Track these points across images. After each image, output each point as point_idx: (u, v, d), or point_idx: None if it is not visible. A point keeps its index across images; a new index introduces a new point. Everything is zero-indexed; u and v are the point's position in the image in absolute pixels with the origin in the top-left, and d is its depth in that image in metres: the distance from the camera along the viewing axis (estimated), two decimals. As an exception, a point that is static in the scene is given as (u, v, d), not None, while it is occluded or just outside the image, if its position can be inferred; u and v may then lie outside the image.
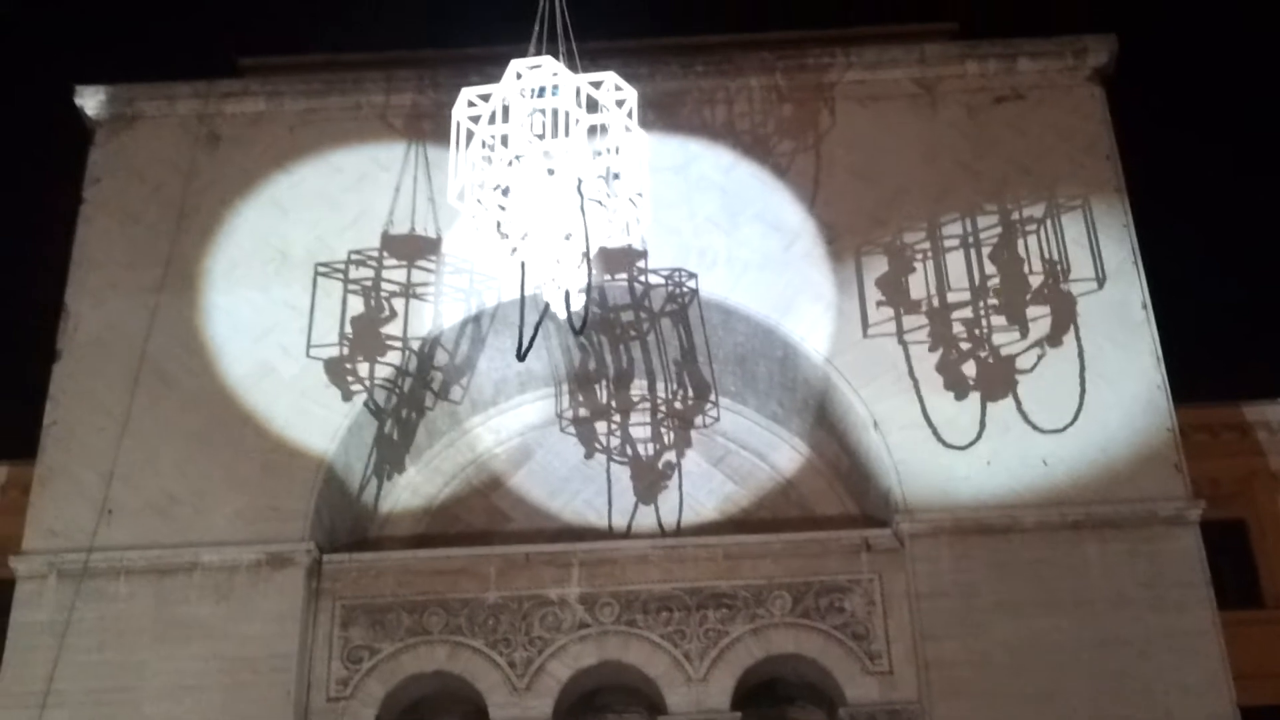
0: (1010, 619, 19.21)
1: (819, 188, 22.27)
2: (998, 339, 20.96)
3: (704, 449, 22.69)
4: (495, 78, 17.73)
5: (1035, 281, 21.33)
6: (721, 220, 22.12)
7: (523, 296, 17.55)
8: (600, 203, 17.34)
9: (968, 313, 21.18)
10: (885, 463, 20.43)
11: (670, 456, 22.55)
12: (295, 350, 21.29)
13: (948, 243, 21.68)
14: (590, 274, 17.25)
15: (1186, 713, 18.69)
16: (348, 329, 21.46)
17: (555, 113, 17.24)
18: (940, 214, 21.88)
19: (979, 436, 20.35)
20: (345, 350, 21.30)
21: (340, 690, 19.89)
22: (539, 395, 23.12)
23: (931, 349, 20.98)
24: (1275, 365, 27.72)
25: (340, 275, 21.80)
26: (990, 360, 20.81)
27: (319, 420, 20.88)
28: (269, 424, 20.84)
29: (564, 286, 17.26)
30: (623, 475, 22.36)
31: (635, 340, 22.44)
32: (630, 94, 17.69)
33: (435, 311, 21.68)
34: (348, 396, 21.07)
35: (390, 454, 22.08)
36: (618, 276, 21.79)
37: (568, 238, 17.15)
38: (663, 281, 21.84)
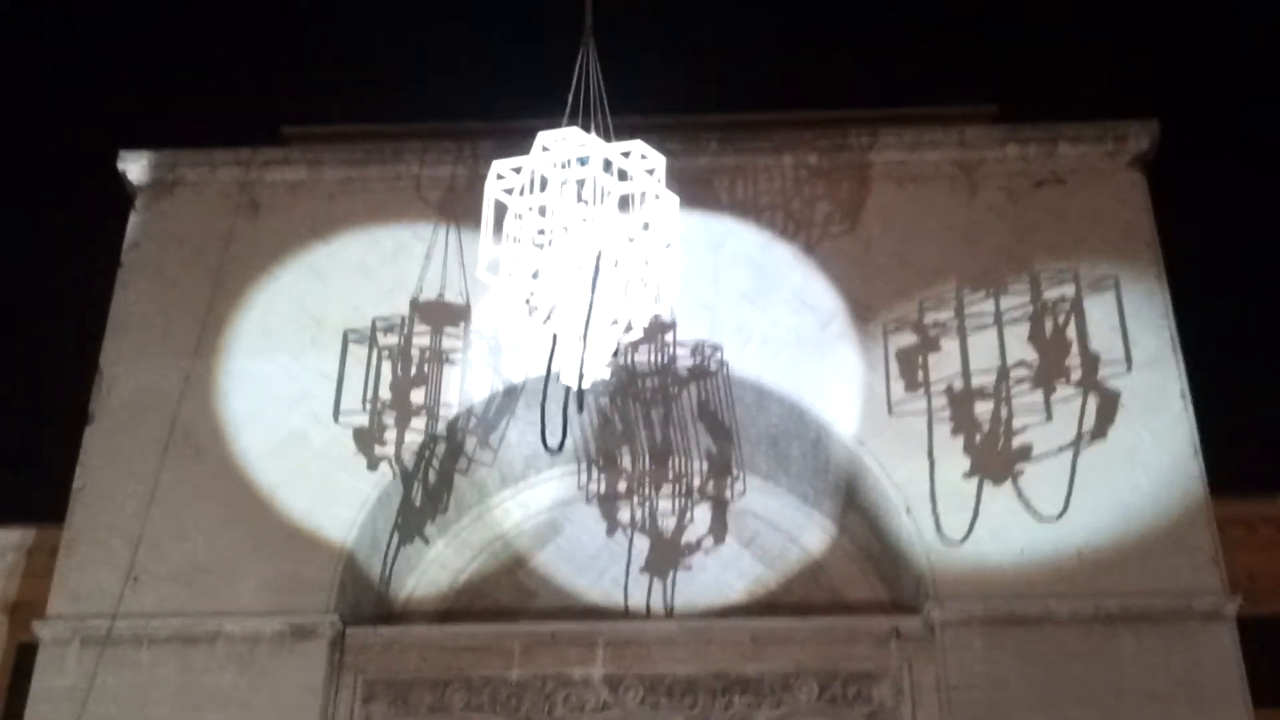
0: (1042, 713, 18.84)
1: (855, 268, 22.17)
2: (1033, 427, 20.69)
3: (734, 529, 22.51)
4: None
5: (1072, 368, 21.09)
6: (756, 298, 22.05)
7: (548, 374, 17.35)
8: (628, 273, 17.18)
9: (1002, 399, 20.95)
10: (917, 548, 20.18)
11: (698, 536, 22.37)
12: (326, 419, 21.27)
13: (982, 326, 21.51)
14: (585, 347, 16.98)
15: (1219, 811, 18.28)
16: (377, 396, 21.40)
17: (582, 183, 17.16)
18: (978, 297, 21.71)
19: (1012, 525, 20.07)
20: (374, 419, 21.24)
21: (361, 765, 19.74)
22: (569, 471, 23.01)
23: (962, 433, 20.74)
24: (1316, 459, 27.34)
25: (372, 343, 21.77)
26: (1026, 449, 20.55)
27: (348, 490, 20.81)
28: (298, 493, 20.77)
29: (582, 362, 17.07)
30: (651, 554, 22.19)
31: (661, 412, 22.27)
32: (659, 160, 17.60)
33: (465, 384, 21.62)
34: (374, 465, 20.99)
35: (418, 527, 21.96)
36: (643, 347, 21.71)
37: (612, 321, 17.04)
38: (688, 353, 21.71)
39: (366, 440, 21.14)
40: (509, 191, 17.53)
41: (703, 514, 22.60)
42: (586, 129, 17.72)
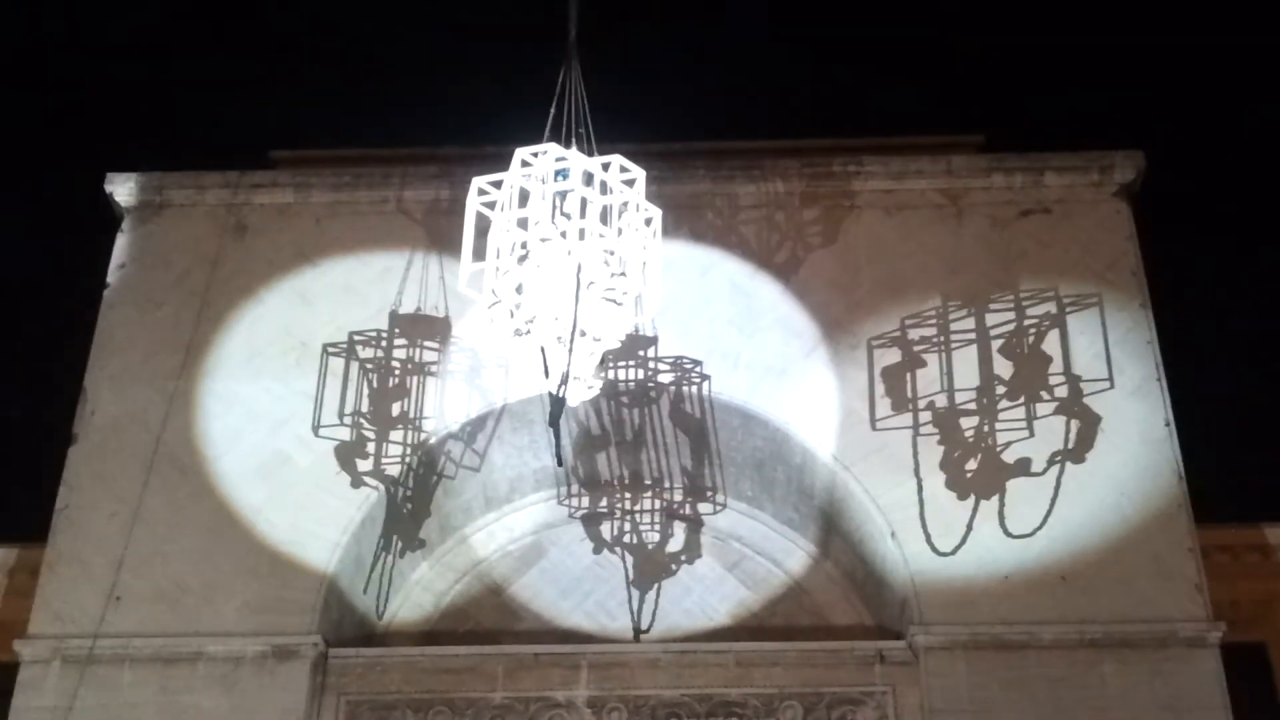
0: (1025, 738, 18.88)
1: (841, 295, 22.23)
2: (1015, 453, 20.74)
3: (719, 553, 22.53)
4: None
5: (1056, 395, 21.14)
6: (743, 324, 22.09)
7: (553, 392, 17.38)
8: (609, 285, 17.21)
9: (984, 425, 21.00)
10: (901, 574, 20.17)
11: (682, 559, 22.40)
12: (311, 441, 21.24)
13: (966, 351, 21.58)
14: (571, 356, 17.03)
15: (1204, 839, 18.25)
16: (358, 416, 21.41)
17: (563, 196, 17.20)
18: (962, 324, 21.77)
19: (997, 550, 20.09)
20: (354, 436, 21.23)
21: (342, 788, 19.64)
22: (553, 494, 23.05)
23: (946, 460, 20.78)
24: (1299, 486, 27.46)
25: (354, 361, 21.77)
26: (1007, 476, 20.58)
27: (332, 512, 20.77)
28: (281, 515, 20.70)
29: (567, 373, 17.09)
30: (635, 577, 22.18)
31: (645, 434, 22.29)
32: (639, 173, 17.63)
33: (449, 404, 21.62)
34: (357, 484, 20.98)
35: (402, 548, 21.92)
36: (623, 363, 21.73)
37: (585, 335, 17.11)
38: (668, 368, 21.75)
39: (348, 456, 21.12)
40: (490, 206, 17.54)
41: (687, 537, 22.63)
42: (570, 146, 17.78)
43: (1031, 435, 20.79)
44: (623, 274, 17.39)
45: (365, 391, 21.63)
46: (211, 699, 19.39)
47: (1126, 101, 39.46)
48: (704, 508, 22.87)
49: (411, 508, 21.72)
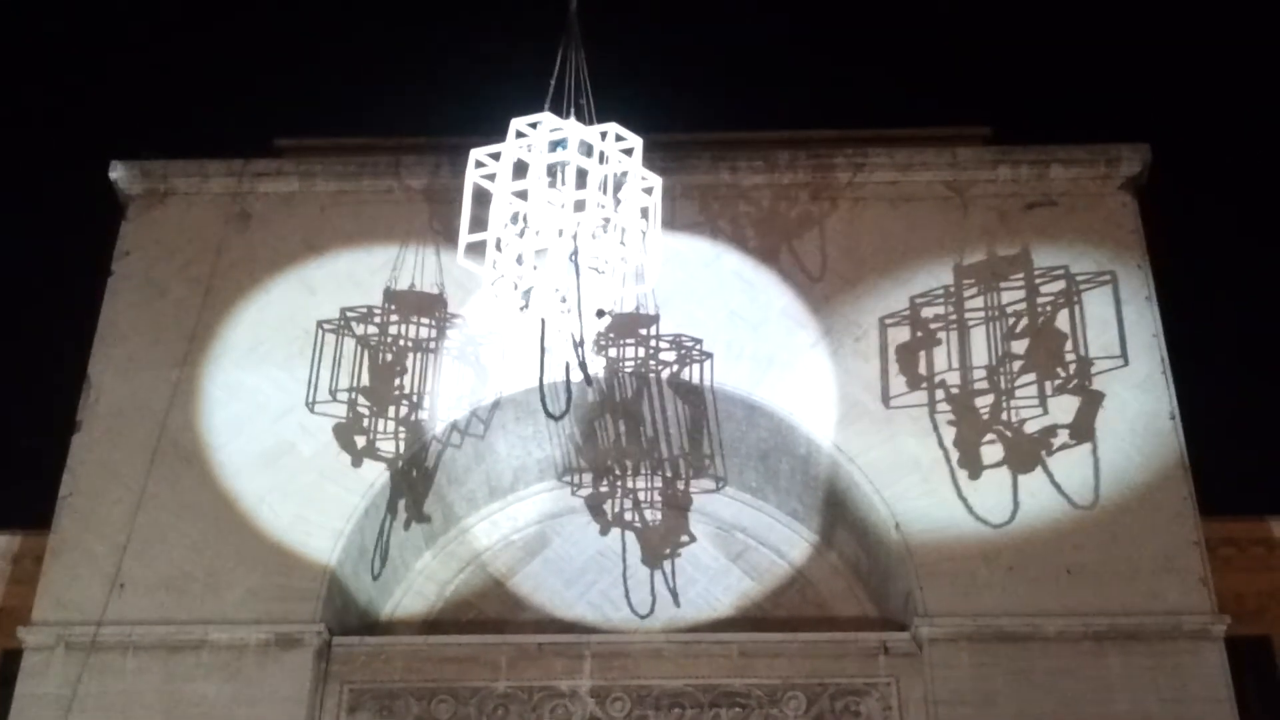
0: (1029, 730, 18.87)
1: (846, 286, 22.22)
2: (1025, 444, 20.70)
3: (723, 544, 22.54)
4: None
5: (1070, 374, 21.11)
6: (748, 315, 22.07)
7: (543, 351, 17.30)
8: (601, 263, 17.07)
9: (992, 416, 20.97)
10: (906, 565, 20.17)
11: (687, 549, 22.38)
12: (315, 429, 21.23)
13: (975, 344, 21.55)
14: (582, 324, 16.93)
15: (1207, 831, 18.26)
16: (354, 394, 21.44)
17: (561, 166, 17.08)
18: (972, 303, 21.78)
19: (1002, 542, 20.08)
20: (351, 414, 21.25)
21: (344, 776, 19.68)
22: (557, 484, 23.06)
23: (954, 454, 20.76)
24: (1305, 479, 27.43)
25: (349, 338, 21.78)
26: (1015, 469, 20.56)
27: (336, 501, 20.77)
28: (285, 503, 20.71)
29: (581, 337, 17.00)
30: (639, 567, 22.18)
31: (649, 421, 22.27)
32: (636, 141, 17.47)
33: (449, 383, 21.60)
34: (357, 462, 20.98)
35: (406, 538, 21.92)
36: (625, 341, 21.72)
37: (568, 304, 16.96)
38: (669, 346, 21.73)
39: (345, 435, 21.13)
40: (490, 179, 17.42)
41: (693, 528, 22.59)
42: (569, 117, 17.61)
43: (1045, 413, 20.77)
44: (621, 243, 17.26)
45: (363, 368, 21.61)
46: (215, 687, 19.39)
47: (1133, 94, 39.43)
48: (704, 483, 22.82)
49: (416, 497, 21.70)
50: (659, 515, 22.65)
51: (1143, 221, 22.65)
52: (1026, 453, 20.68)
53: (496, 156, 17.41)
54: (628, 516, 22.64)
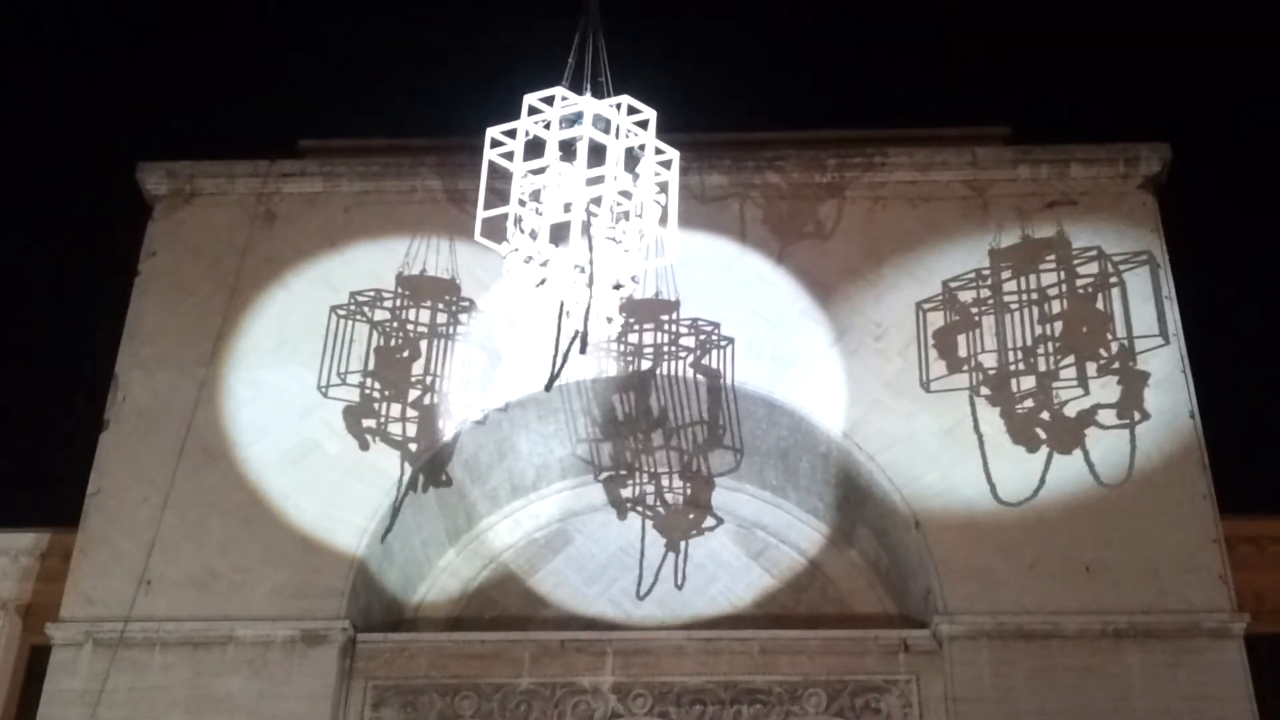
0: (1050, 728, 18.93)
1: (867, 285, 22.31)
2: (1044, 444, 20.80)
3: (744, 542, 22.63)
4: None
5: (1106, 369, 21.21)
6: (769, 314, 22.18)
7: (560, 328, 17.37)
8: (619, 234, 17.06)
9: (1030, 398, 21.07)
10: (926, 563, 20.26)
11: (708, 547, 22.49)
12: (339, 428, 21.42)
13: (1011, 328, 21.64)
14: (592, 295, 16.95)
15: (1225, 829, 18.29)
16: (367, 377, 21.69)
17: (576, 141, 17.04)
18: (1006, 298, 21.90)
19: (1022, 540, 20.16)
20: (362, 397, 21.48)
21: (369, 771, 19.84)
22: (579, 482, 23.18)
23: (973, 449, 20.85)
24: (1326, 478, 27.41)
25: (361, 322, 22.07)
26: (1053, 447, 20.69)
27: (361, 499, 20.94)
28: (311, 501, 20.90)
29: (589, 306, 17.04)
30: (661, 564, 22.29)
31: (670, 417, 22.38)
32: (650, 113, 17.43)
33: (471, 395, 21.74)
34: (364, 446, 21.18)
35: (430, 535, 22.11)
36: (645, 326, 21.86)
37: (583, 269, 16.97)
38: (689, 331, 21.87)
39: (354, 419, 21.37)
40: (508, 157, 17.44)
41: (710, 523, 22.71)
42: (584, 94, 17.60)
43: (1087, 393, 20.88)
44: (638, 215, 17.27)
45: (371, 352, 21.82)
46: (241, 683, 19.60)
47: (1153, 94, 39.39)
48: (723, 460, 22.75)
49: (439, 495, 21.86)
50: (680, 499, 22.71)
51: (1163, 220, 22.67)
52: (1063, 436, 20.75)
53: (512, 134, 17.44)
54: (648, 499, 22.74)
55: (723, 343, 21.90)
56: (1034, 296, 21.88)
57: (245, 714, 19.39)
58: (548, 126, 17.20)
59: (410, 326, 22.11)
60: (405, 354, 21.92)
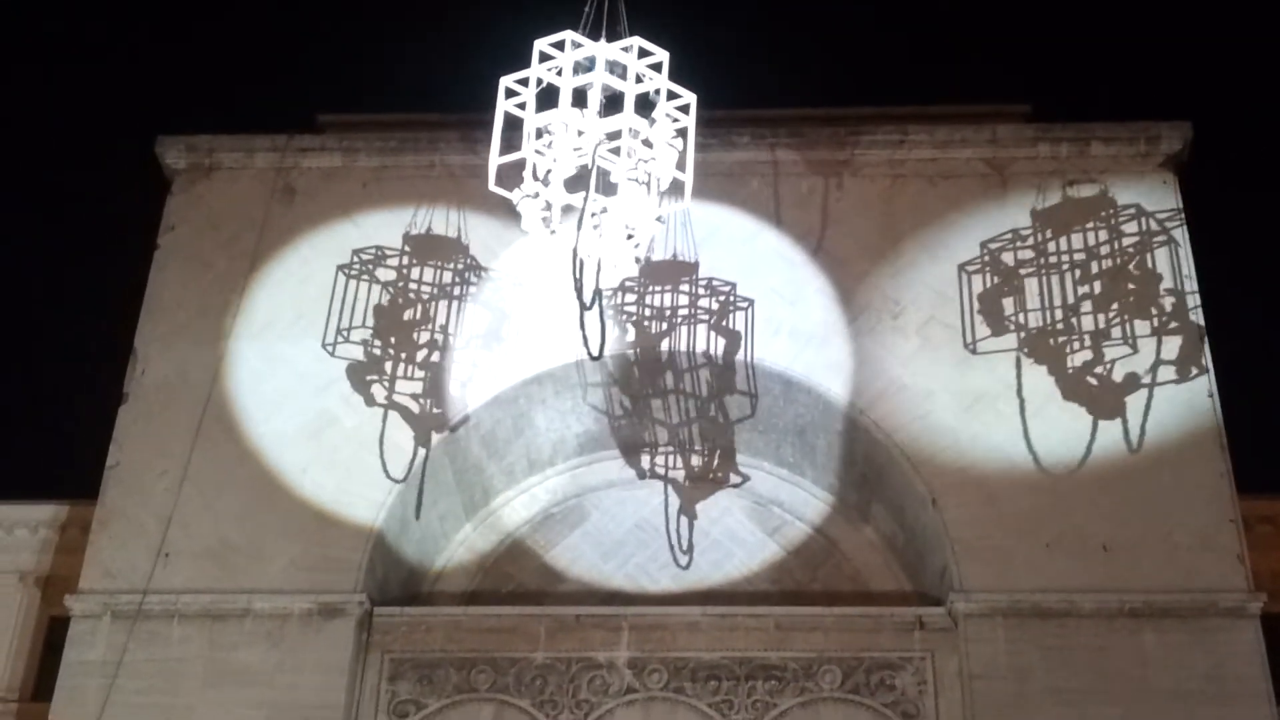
0: (1064, 705, 18.92)
1: (886, 263, 22.25)
2: (1062, 423, 20.75)
3: (760, 519, 22.67)
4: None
5: (1103, 368, 21.13)
6: (786, 291, 22.15)
7: (579, 282, 16.90)
8: (641, 175, 16.74)
9: (1066, 372, 21.09)
10: (942, 541, 20.26)
11: (724, 524, 22.50)
12: (357, 402, 21.46)
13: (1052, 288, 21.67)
14: (599, 236, 16.71)
15: (1241, 807, 18.31)
16: (371, 334, 21.84)
17: (589, 86, 16.62)
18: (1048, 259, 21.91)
19: (1037, 518, 20.13)
20: (367, 355, 21.58)
21: (385, 743, 19.94)
22: (596, 457, 23.19)
23: (989, 427, 20.82)
24: (1343, 459, 27.23)
25: (365, 281, 22.15)
26: (1055, 445, 20.61)
27: (377, 472, 20.99)
28: (328, 474, 20.97)
29: (593, 256, 16.77)
30: (677, 540, 22.32)
31: (688, 396, 22.36)
32: (662, 55, 16.92)
33: (469, 324, 21.85)
34: (370, 402, 21.30)
35: (447, 509, 22.17)
36: (665, 287, 21.88)
37: (628, 234, 16.83)
38: (706, 292, 21.83)
39: (360, 376, 21.49)
40: (521, 107, 17.05)
41: (729, 502, 22.70)
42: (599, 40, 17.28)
43: (1078, 409, 20.79)
44: (653, 159, 16.94)
45: (376, 309, 21.93)
46: (258, 654, 19.71)
47: (1175, 72, 39.19)
48: (740, 406, 22.46)
49: (456, 470, 21.90)
50: (699, 461, 22.73)
51: (1184, 199, 22.56)
52: (1107, 399, 20.78)
53: (525, 83, 17.06)
54: (668, 459, 22.79)
55: (742, 304, 21.86)
56: (1078, 257, 21.73)
57: (262, 686, 19.50)
58: (560, 74, 16.93)
59: (414, 285, 22.07)
60: (413, 313, 21.86)
